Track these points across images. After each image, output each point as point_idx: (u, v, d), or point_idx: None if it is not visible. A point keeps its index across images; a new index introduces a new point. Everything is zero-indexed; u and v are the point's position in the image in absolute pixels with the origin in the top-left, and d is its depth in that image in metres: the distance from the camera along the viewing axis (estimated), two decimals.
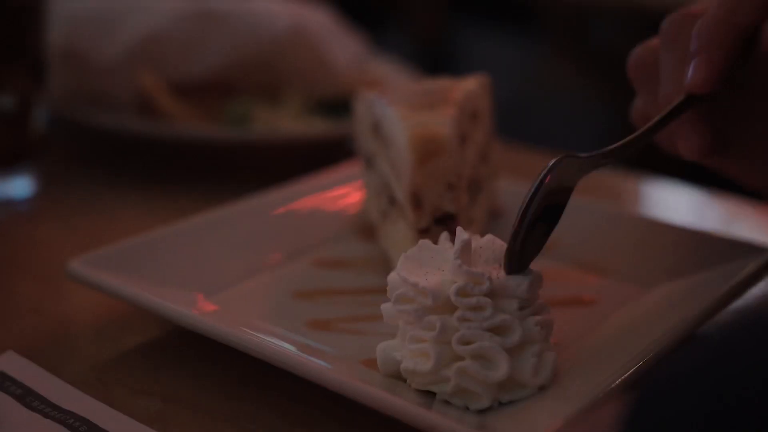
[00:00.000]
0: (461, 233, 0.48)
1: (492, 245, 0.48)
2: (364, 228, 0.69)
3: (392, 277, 0.50)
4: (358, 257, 0.66)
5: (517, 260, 0.48)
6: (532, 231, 0.49)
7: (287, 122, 0.87)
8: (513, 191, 0.72)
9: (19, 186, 0.77)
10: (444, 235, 0.51)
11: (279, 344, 0.53)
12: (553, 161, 0.50)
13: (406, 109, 0.60)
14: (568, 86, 1.93)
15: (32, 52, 0.76)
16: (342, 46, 0.96)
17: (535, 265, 0.50)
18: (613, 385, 0.46)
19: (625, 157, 0.53)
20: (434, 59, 2.33)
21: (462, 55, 2.37)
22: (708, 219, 0.84)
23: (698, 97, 0.52)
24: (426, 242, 0.50)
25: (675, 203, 0.89)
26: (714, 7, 0.51)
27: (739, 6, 0.51)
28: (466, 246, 0.47)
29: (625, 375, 0.47)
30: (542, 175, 0.49)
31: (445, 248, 0.50)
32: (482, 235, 0.65)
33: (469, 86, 0.65)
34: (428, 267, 0.49)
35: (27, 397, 0.49)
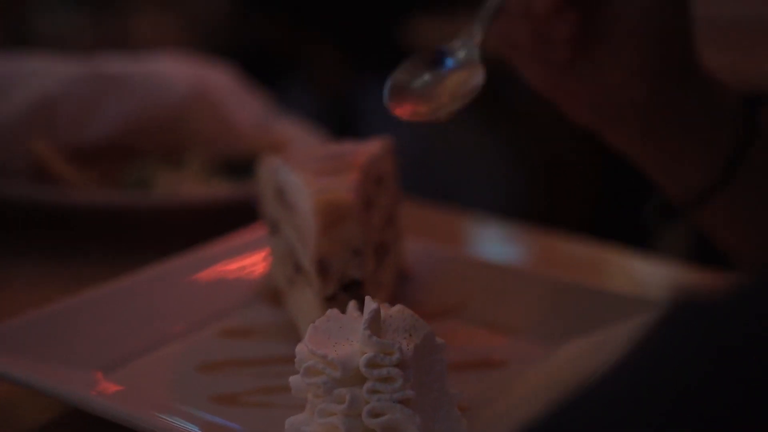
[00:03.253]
0: (370, 302, 0.48)
1: (402, 314, 0.48)
2: (270, 294, 0.68)
3: (300, 348, 0.49)
4: (264, 325, 0.64)
5: None
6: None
7: (189, 185, 0.86)
8: (419, 251, 0.72)
9: None
10: (352, 304, 0.50)
11: (183, 425, 0.51)
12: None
13: (310, 175, 0.60)
14: (473, 143, 1.97)
15: None
16: (245, 107, 0.95)
17: (442, 327, 0.49)
18: None
19: None
20: (340, 117, 2.35)
21: (367, 112, 2.40)
22: (608, 275, 0.85)
23: None
24: (334, 312, 0.49)
25: (573, 259, 0.91)
26: None
27: None
28: (376, 316, 0.47)
29: None
30: None
31: (353, 318, 0.49)
32: (391, 298, 0.65)
33: (373, 150, 0.65)
34: (337, 338, 0.48)
35: None
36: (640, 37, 0.56)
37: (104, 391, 0.55)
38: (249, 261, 0.70)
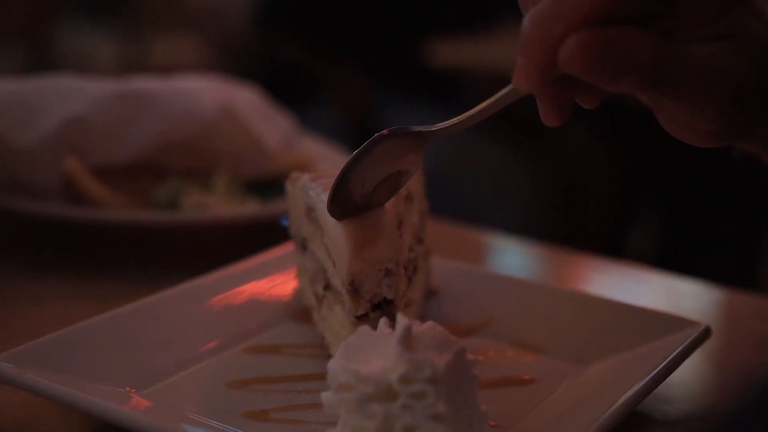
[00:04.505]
0: (402, 319, 0.48)
1: (433, 331, 0.48)
2: (299, 312, 0.68)
3: (332, 364, 0.49)
4: (293, 342, 0.65)
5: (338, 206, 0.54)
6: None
7: (217, 204, 0.86)
8: (445, 269, 0.72)
9: None
10: (383, 321, 0.51)
11: None
12: (377, 136, 0.55)
13: None
14: (492, 159, 1.97)
15: None
16: (271, 125, 0.96)
17: (471, 344, 0.49)
18: None
19: (454, 132, 0.53)
20: (362, 137, 2.35)
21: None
22: (630, 293, 0.85)
23: None
24: (366, 329, 0.50)
25: (604, 278, 0.91)
26: None
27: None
28: (407, 332, 0.47)
29: None
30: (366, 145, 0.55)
31: (385, 334, 0.49)
32: (419, 315, 0.65)
33: None
34: (369, 354, 0.48)
35: None
36: (715, 92, 0.48)
37: (136, 407, 0.55)
38: (277, 279, 0.71)
